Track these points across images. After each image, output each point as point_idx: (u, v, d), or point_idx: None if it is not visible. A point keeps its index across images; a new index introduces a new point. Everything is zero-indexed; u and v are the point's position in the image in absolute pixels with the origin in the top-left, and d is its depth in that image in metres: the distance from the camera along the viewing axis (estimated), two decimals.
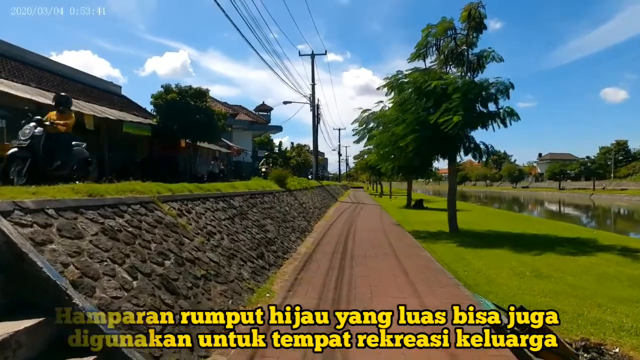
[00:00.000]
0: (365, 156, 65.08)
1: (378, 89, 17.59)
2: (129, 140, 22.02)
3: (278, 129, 54.35)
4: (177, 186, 8.29)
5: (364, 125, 19.39)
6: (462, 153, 17.86)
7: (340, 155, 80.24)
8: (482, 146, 17.41)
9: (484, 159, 18.28)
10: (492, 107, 16.80)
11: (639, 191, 64.11)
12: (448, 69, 18.79)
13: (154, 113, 25.32)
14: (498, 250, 12.22)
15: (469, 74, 17.90)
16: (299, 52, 34.77)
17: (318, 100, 37.42)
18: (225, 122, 25.38)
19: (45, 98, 14.99)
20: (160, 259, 5.17)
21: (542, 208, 50.84)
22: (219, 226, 7.87)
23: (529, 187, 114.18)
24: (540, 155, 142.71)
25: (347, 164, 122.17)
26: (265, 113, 58.49)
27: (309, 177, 42.35)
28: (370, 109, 18.67)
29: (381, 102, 19.14)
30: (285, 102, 38.23)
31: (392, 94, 18.02)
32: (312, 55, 37.45)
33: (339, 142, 71.17)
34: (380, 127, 19.05)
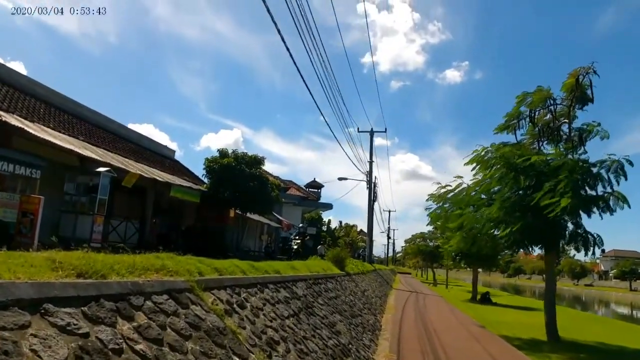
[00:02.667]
0: (418, 240, 61.49)
1: (465, 164, 15.06)
2: (175, 205, 20.31)
3: (328, 206, 52.33)
4: (226, 264, 5.90)
5: (440, 203, 16.72)
6: (564, 243, 14.76)
7: (389, 238, 76.52)
8: (589, 236, 14.30)
9: (590, 252, 14.98)
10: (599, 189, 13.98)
11: None
12: (540, 144, 16.25)
13: (205, 178, 23.86)
14: None
15: (566, 151, 15.24)
16: (358, 129, 33.06)
17: (375, 178, 35.33)
18: (278, 193, 23.46)
19: (90, 152, 13.56)
20: None
21: (623, 311, 44.48)
22: (282, 329, 5.29)
23: (593, 285, 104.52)
24: (603, 251, 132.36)
25: (394, 248, 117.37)
26: (316, 190, 56.93)
27: (359, 259, 39.35)
28: (449, 185, 16.06)
29: (460, 177, 16.53)
30: (340, 179, 36.33)
31: (477, 170, 15.48)
32: (372, 132, 36.00)
33: (389, 224, 67.85)
34: (456, 209, 16.36)
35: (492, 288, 56.35)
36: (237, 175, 20.40)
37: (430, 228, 59.82)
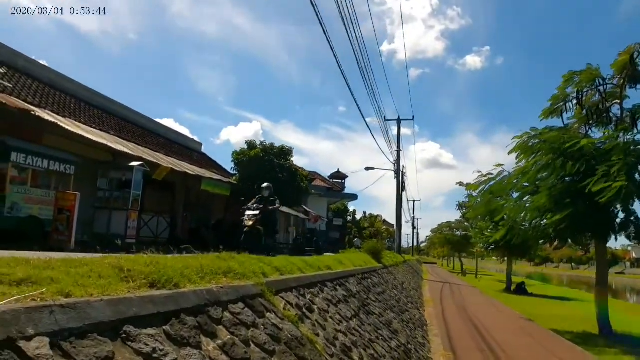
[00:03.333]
0: (445, 230, 60.39)
1: (509, 153, 14.26)
2: (205, 199, 20.04)
3: (353, 197, 51.69)
4: (279, 261, 5.43)
5: (479, 191, 15.99)
6: (616, 232, 13.91)
7: (414, 228, 75.62)
8: None
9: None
10: None
11: None
12: (588, 128, 15.34)
13: (234, 172, 23.54)
14: None
15: (618, 133, 14.34)
16: (384, 117, 32.22)
17: (403, 167, 34.55)
18: (307, 184, 23.01)
19: (122, 146, 13.29)
20: None
21: None
22: (350, 332, 4.82)
23: (625, 273, 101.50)
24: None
25: (418, 238, 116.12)
26: (340, 181, 56.29)
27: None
28: (491, 173, 15.30)
29: (501, 165, 15.72)
30: (367, 168, 35.80)
31: (519, 157, 14.66)
32: (399, 120, 35.20)
33: (413, 214, 66.95)
34: (498, 198, 15.61)
35: (519, 276, 55.29)
36: (267, 167, 20.01)
37: (457, 217, 59.02)
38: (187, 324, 2.29)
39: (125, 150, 12.74)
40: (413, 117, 34.81)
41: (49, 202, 10.29)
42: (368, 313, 6.47)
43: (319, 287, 5.25)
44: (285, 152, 21.29)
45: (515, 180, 14.89)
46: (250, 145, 20.81)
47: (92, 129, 13.29)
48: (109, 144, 12.10)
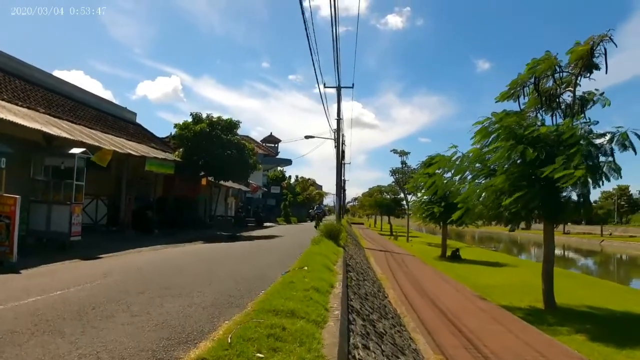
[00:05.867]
0: (375, 194, 61.96)
1: (473, 138, 14.29)
2: (145, 177, 18.49)
3: (288, 162, 51.23)
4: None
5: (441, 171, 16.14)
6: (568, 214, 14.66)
7: (344, 190, 76.70)
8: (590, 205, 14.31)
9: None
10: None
11: None
12: (539, 113, 15.83)
13: (172, 144, 21.95)
14: None
15: (568, 118, 14.91)
16: (324, 84, 31.43)
17: (343, 136, 34.28)
18: (256, 159, 22.04)
19: (58, 129, 11.53)
20: None
21: (579, 259, 47.34)
22: None
23: (527, 228, 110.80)
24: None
25: (344, 198, 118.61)
26: (273, 145, 55.42)
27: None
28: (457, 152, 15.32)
29: (455, 147, 15.85)
30: (307, 137, 34.98)
31: (476, 140, 14.81)
32: (338, 88, 34.46)
33: (343, 176, 67.71)
34: (455, 179, 15.84)
35: (438, 235, 58.91)
36: (213, 142, 18.80)
37: (381, 176, 60.67)
38: None
39: (64, 134, 11.06)
40: (353, 84, 34.25)
41: None
42: (380, 336, 6.11)
43: None
44: (232, 126, 20.09)
45: (473, 164, 15.11)
46: (196, 118, 19.33)
47: (19, 107, 11.36)
48: (45, 129, 10.39)
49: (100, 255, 10.47)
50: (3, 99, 11.28)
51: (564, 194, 14.57)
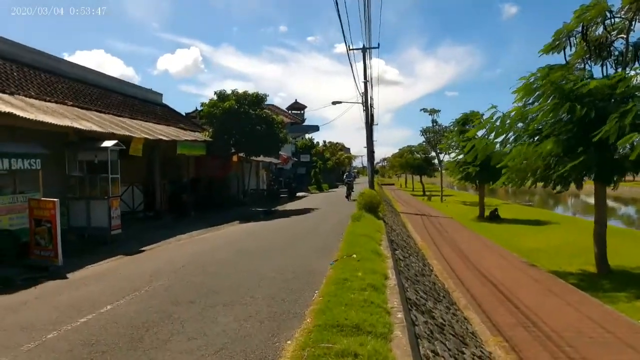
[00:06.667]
0: (406, 154, 60.88)
1: (513, 92, 13.37)
2: (179, 160, 18.37)
3: (315, 128, 50.61)
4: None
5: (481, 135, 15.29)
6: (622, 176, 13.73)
7: (373, 152, 75.78)
8: None
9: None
10: None
11: None
12: (586, 63, 14.68)
13: (202, 124, 21.69)
14: None
15: (616, 69, 13.82)
16: (349, 47, 30.27)
17: (371, 99, 33.28)
18: (286, 132, 21.61)
19: (88, 121, 11.32)
20: None
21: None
22: None
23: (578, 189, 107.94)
24: None
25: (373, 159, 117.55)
26: (299, 112, 54.63)
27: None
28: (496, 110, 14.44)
29: (495, 107, 14.91)
30: (334, 102, 34.14)
31: (522, 97, 13.88)
32: (364, 49, 33.19)
33: (372, 138, 66.66)
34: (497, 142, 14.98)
35: (471, 192, 57.68)
36: (242, 119, 18.40)
37: (420, 141, 59.10)
38: None
39: (95, 127, 10.84)
40: (379, 44, 32.59)
41: (19, 209, 8.63)
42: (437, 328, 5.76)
43: None
44: (259, 99, 19.60)
45: (514, 124, 14.22)
46: (221, 96, 18.90)
47: (48, 104, 11.18)
48: (75, 125, 10.18)
49: (143, 249, 10.41)
50: (31, 96, 11.11)
51: (620, 151, 13.63)
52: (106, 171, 10.84)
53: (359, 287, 5.46)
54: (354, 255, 7.63)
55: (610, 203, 49.84)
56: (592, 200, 19.45)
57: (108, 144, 10.83)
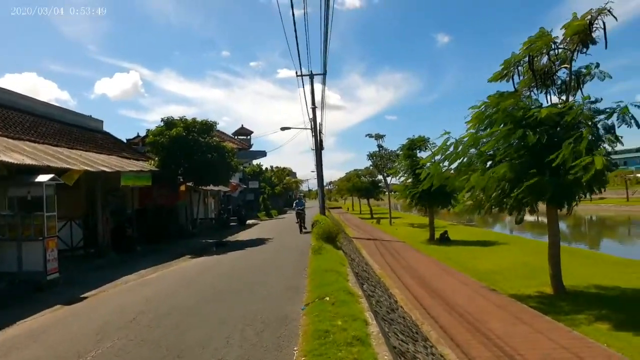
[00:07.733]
0: (352, 179, 61.48)
1: (467, 123, 13.59)
2: (120, 190, 17.11)
3: (262, 154, 49.94)
4: None
5: (434, 161, 15.37)
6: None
7: (321, 178, 75.96)
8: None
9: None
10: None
11: (617, 200, 63.01)
12: (532, 91, 15.23)
13: (147, 151, 20.53)
14: None
15: (562, 97, 14.40)
16: (296, 73, 30.28)
17: (320, 124, 33.22)
18: (237, 160, 20.87)
19: (20, 154, 10.15)
20: None
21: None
22: None
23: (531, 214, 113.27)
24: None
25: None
26: (246, 137, 53.88)
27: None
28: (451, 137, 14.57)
29: (448, 133, 15.10)
30: (283, 129, 33.85)
31: (476, 125, 14.10)
32: (311, 76, 33.32)
33: (321, 165, 67.01)
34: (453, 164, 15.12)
35: (415, 213, 58.78)
36: (191, 147, 17.53)
37: (366, 165, 60.05)
38: None
39: (28, 161, 9.70)
40: (325, 71, 32.13)
41: None
42: None
43: None
44: (209, 127, 18.82)
45: (467, 149, 14.40)
46: (168, 123, 17.95)
47: None
48: (4, 158, 9.04)
49: (85, 295, 9.29)
50: None
51: (574, 174, 13.98)
52: (41, 208, 9.68)
53: (344, 341, 4.91)
54: (327, 298, 7.09)
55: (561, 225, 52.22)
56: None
57: (43, 178, 9.69)
